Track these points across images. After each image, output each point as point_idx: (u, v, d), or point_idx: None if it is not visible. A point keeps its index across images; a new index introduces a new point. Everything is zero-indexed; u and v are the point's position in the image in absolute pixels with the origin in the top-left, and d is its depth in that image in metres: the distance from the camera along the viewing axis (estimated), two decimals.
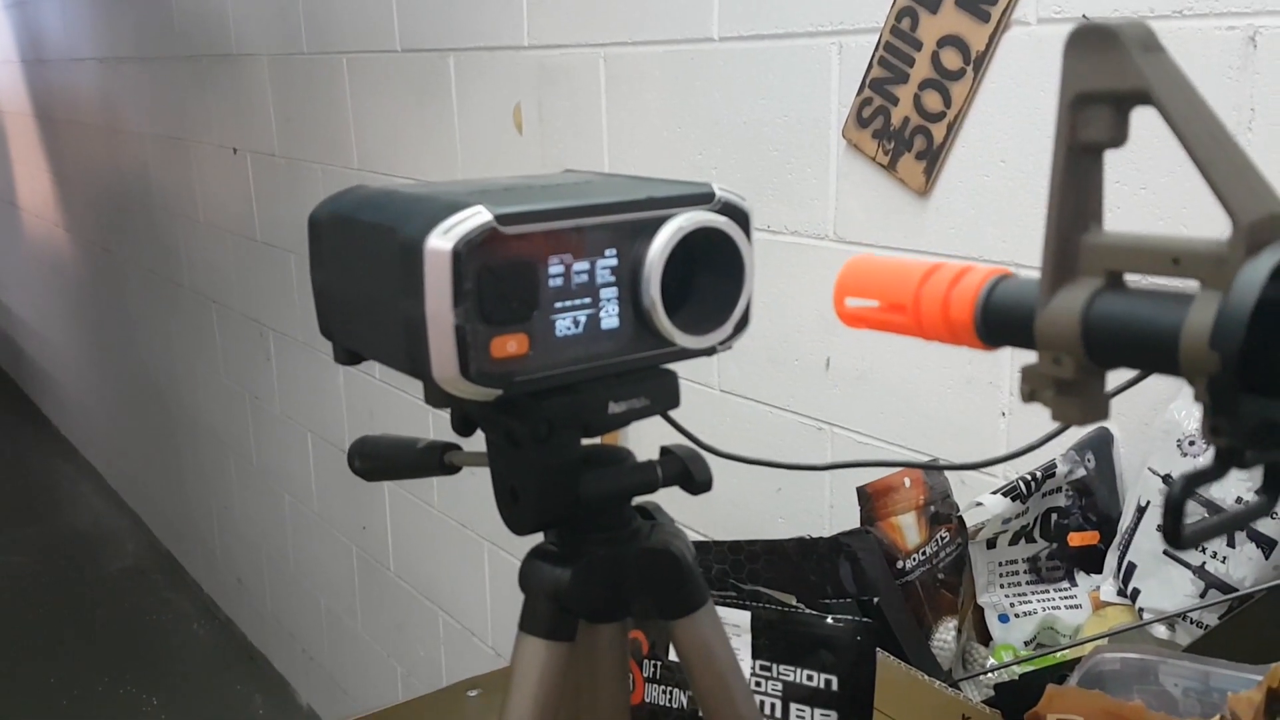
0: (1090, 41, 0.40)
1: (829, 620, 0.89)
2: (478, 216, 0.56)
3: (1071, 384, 0.43)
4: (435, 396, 0.60)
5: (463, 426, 0.66)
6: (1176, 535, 0.40)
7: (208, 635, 3.83)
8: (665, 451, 0.68)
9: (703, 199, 0.63)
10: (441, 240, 0.56)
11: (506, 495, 0.64)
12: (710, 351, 0.65)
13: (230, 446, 3.56)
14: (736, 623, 0.93)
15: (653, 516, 0.70)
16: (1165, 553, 1.11)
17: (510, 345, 0.58)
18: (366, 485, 2.72)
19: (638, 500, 0.69)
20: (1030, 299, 0.44)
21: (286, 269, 2.73)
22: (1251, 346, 0.37)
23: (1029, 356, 0.46)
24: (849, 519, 1.28)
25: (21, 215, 5.54)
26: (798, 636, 0.90)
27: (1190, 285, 0.41)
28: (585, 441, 0.64)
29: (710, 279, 0.64)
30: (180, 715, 3.40)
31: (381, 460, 0.76)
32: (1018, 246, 1.21)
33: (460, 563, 2.42)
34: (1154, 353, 0.41)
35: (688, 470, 0.66)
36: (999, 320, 0.46)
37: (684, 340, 0.63)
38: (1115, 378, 0.46)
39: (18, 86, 5.05)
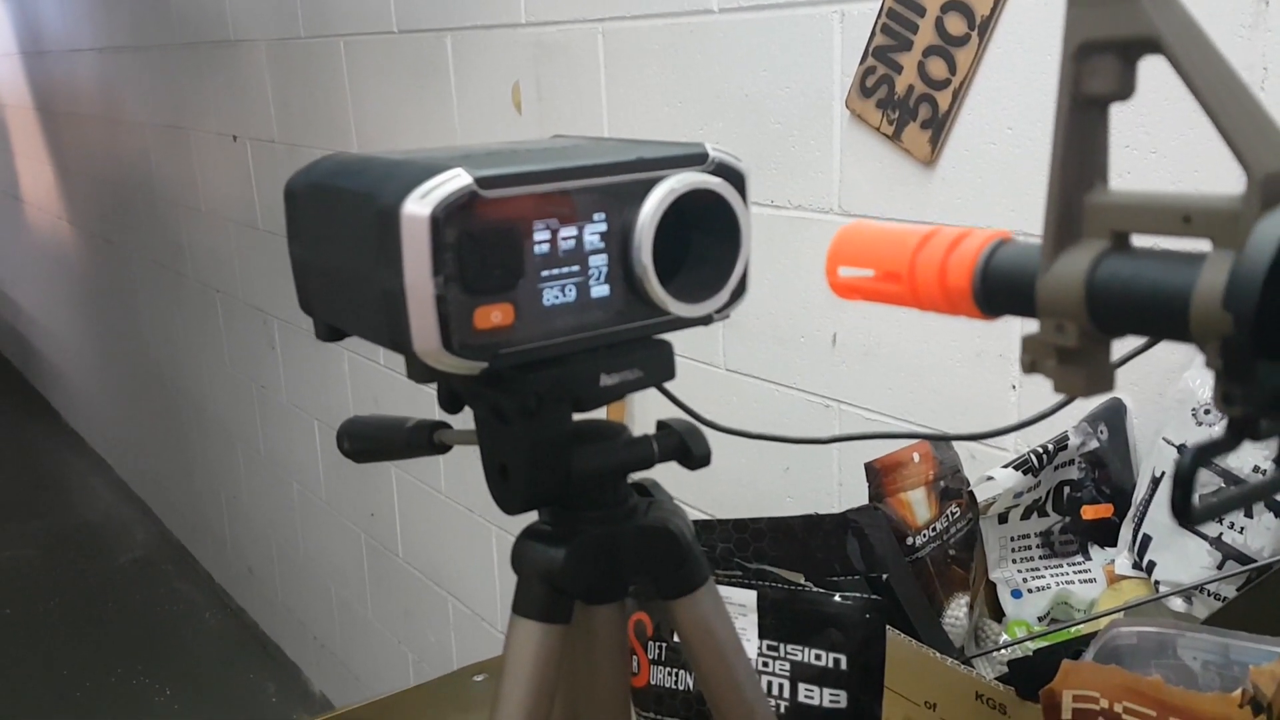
0: None
1: (837, 598, 0.87)
2: (457, 180, 0.54)
3: (1075, 353, 0.40)
4: (418, 371, 0.58)
5: (450, 403, 0.63)
6: (1186, 511, 0.37)
7: (219, 624, 3.83)
8: (662, 426, 0.65)
9: (696, 160, 0.60)
10: (419, 205, 0.53)
11: (496, 473, 0.61)
12: (706, 320, 0.63)
13: (237, 435, 3.55)
14: (742, 602, 0.90)
15: (650, 494, 0.67)
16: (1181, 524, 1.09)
17: (494, 316, 0.55)
18: (374, 472, 2.70)
19: (634, 477, 0.66)
20: (1032, 264, 0.41)
21: (288, 257, 2.69)
22: (1267, 307, 0.34)
23: (1036, 326, 0.43)
24: (858, 496, 1.26)
25: (25, 208, 5.54)
26: (805, 615, 0.88)
27: (1202, 246, 0.38)
28: (582, 417, 0.62)
29: (705, 244, 0.61)
30: (193, 704, 3.40)
31: (370, 441, 0.73)
32: (1027, 216, 1.19)
33: (468, 547, 2.40)
34: (1163, 317, 0.38)
35: (685, 444, 0.64)
36: (999, 287, 0.43)
37: (678, 308, 0.60)
38: (1122, 346, 0.43)
39: (18, 79, 5.04)
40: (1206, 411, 1.08)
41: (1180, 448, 1.08)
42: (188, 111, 3.28)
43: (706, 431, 0.68)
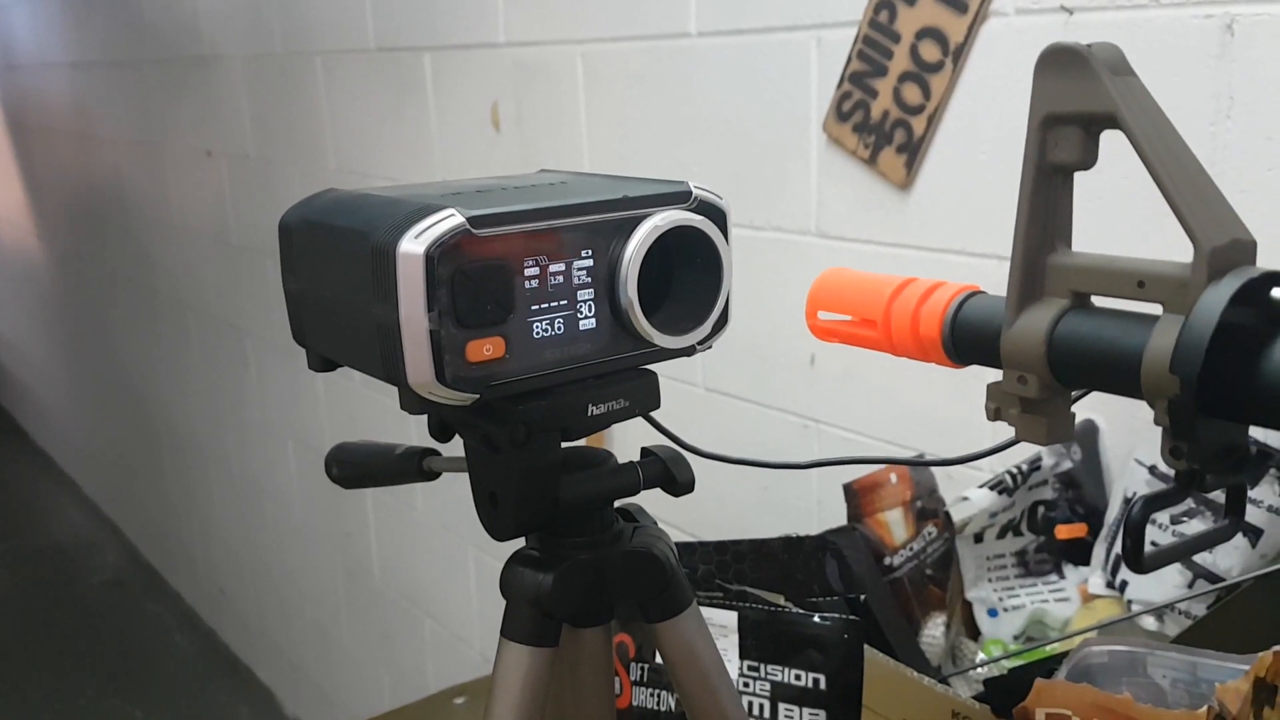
0: (1061, 62, 0.40)
1: (816, 619, 0.89)
2: (450, 219, 0.57)
3: (1036, 403, 0.44)
4: (411, 402, 0.60)
5: (440, 432, 0.66)
6: (1137, 559, 0.40)
7: (191, 646, 3.81)
8: (646, 453, 0.68)
9: (679, 198, 0.63)
10: (413, 244, 0.56)
11: (485, 501, 0.64)
12: (689, 351, 0.66)
13: (210, 453, 3.54)
14: (723, 623, 0.93)
15: (635, 519, 0.70)
16: (1153, 544, 1.11)
17: (486, 349, 0.58)
18: (349, 492, 2.71)
19: (619, 503, 0.69)
20: (998, 318, 0.44)
21: (263, 273, 2.72)
22: (1211, 371, 0.37)
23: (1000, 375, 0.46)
24: (836, 516, 1.28)
25: None
26: (785, 636, 0.91)
27: (1154, 309, 0.41)
28: (565, 445, 0.65)
29: (688, 278, 0.64)
30: None
31: (359, 467, 0.76)
32: (999, 240, 1.21)
33: (445, 567, 2.42)
34: (1117, 375, 0.41)
35: (669, 472, 0.67)
36: (967, 338, 0.47)
37: (662, 340, 0.63)
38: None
39: None
40: None
41: (1152, 469, 1.11)
42: (161, 127, 3.28)
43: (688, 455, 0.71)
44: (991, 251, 1.23)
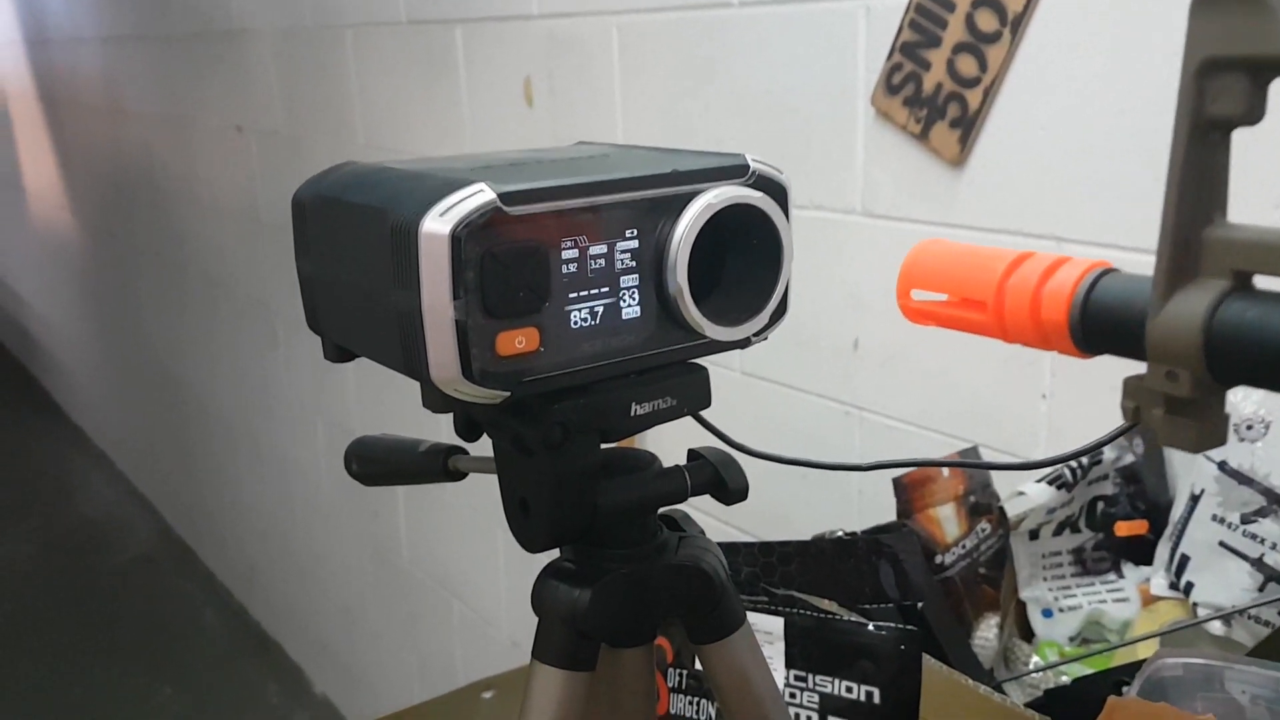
0: None
1: (870, 628, 0.83)
2: (479, 195, 0.49)
3: (1186, 403, 0.36)
4: (434, 400, 0.53)
5: (467, 431, 0.59)
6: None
7: (221, 624, 3.80)
8: (694, 455, 0.61)
9: (735, 172, 0.56)
10: (438, 223, 0.49)
11: (516, 508, 0.57)
12: (744, 343, 0.58)
13: (239, 431, 3.52)
14: (769, 630, 0.86)
15: (680, 528, 0.63)
16: (1221, 544, 1.05)
17: (518, 341, 0.51)
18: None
19: (663, 509, 0.62)
20: (1139, 300, 0.37)
21: (292, 251, 2.65)
22: None
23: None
24: (879, 506, 1.22)
25: (28, 200, 5.51)
26: (835, 645, 0.84)
27: None
28: (605, 446, 0.57)
29: (744, 263, 0.57)
30: (194, 704, 3.37)
31: (380, 464, 0.69)
32: (1058, 220, 1.15)
33: (473, 549, 2.37)
34: None
35: (720, 477, 0.59)
36: (1101, 325, 0.39)
37: (714, 331, 0.56)
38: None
39: (21, 68, 5.01)
40: (1249, 427, 1.04)
41: (1221, 464, 1.04)
42: (191, 102, 3.24)
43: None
44: (1049, 232, 1.16)
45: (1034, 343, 0.40)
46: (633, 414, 0.56)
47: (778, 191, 0.57)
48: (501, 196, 0.50)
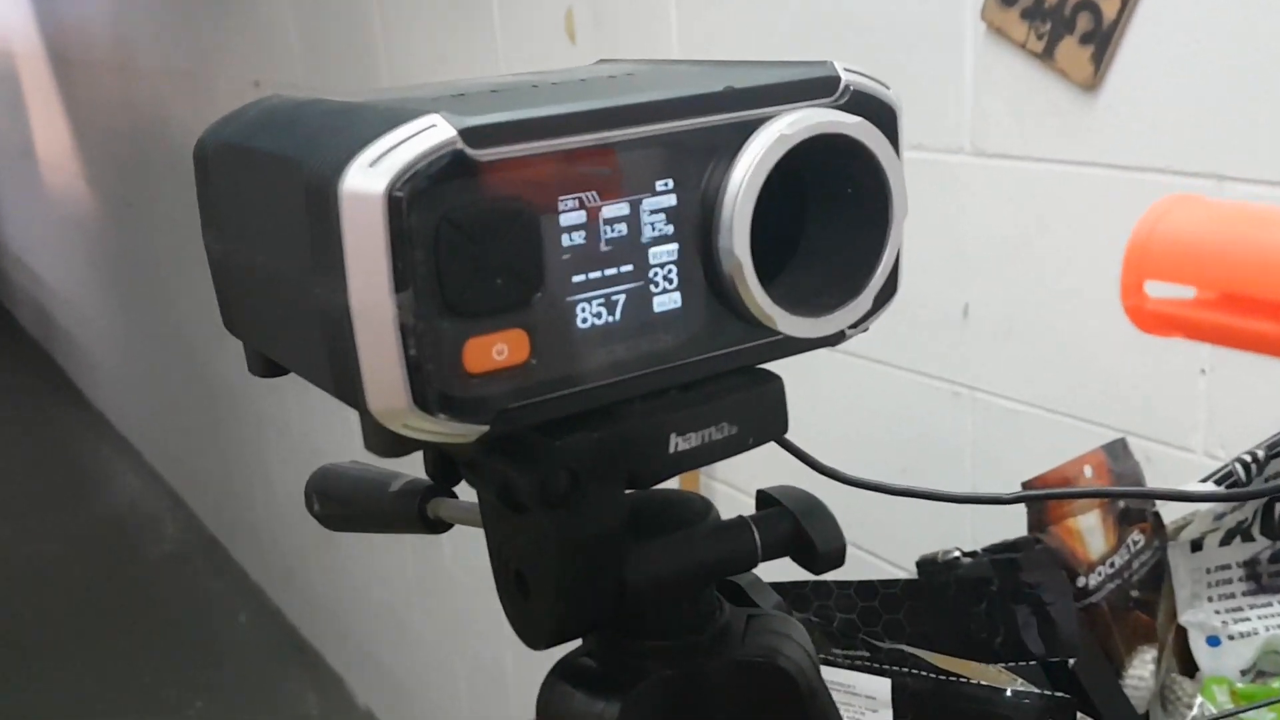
0: None
1: (1008, 694, 0.69)
2: (430, 134, 0.35)
3: None
4: (378, 439, 0.39)
5: (440, 472, 0.45)
6: None
7: (256, 626, 3.79)
8: (766, 500, 0.46)
9: (820, 88, 0.41)
10: (366, 178, 0.34)
11: (510, 584, 0.42)
12: (836, 339, 0.43)
13: (269, 420, 3.49)
14: (871, 693, 0.73)
15: (749, 600, 0.47)
16: None
17: (498, 350, 0.36)
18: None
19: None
20: None
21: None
22: None
23: None
24: (993, 511, 1.11)
25: (40, 169, 5.56)
26: (961, 714, 0.70)
27: None
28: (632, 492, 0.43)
29: (832, 222, 0.42)
30: (226, 713, 3.36)
31: (344, 505, 0.55)
32: (1216, 154, 1.03)
33: None
34: None
35: (804, 533, 0.44)
36: None
37: (790, 324, 0.40)
38: None
39: (28, 24, 5.05)
40: None
41: None
42: (206, 55, 3.22)
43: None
44: (1208, 169, 1.04)
45: None
46: (672, 449, 0.40)
47: (884, 116, 0.41)
48: (464, 134, 0.35)
